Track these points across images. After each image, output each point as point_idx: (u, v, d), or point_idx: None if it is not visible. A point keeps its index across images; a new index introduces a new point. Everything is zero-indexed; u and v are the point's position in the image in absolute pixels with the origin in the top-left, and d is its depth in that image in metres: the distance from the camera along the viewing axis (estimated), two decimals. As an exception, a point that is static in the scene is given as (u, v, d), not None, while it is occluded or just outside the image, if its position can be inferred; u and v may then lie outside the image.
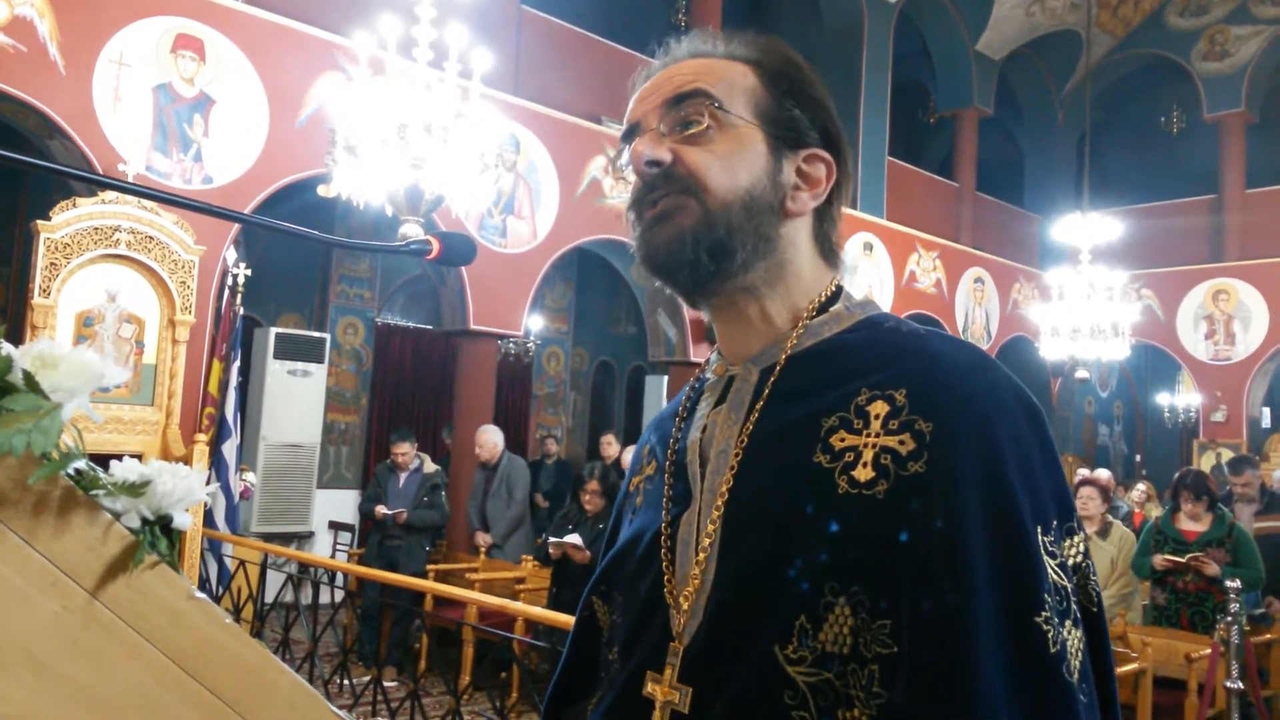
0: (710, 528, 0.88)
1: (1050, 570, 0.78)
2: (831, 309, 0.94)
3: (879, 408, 0.83)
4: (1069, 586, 0.79)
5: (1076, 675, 0.76)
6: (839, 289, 0.96)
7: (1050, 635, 0.75)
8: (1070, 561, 0.81)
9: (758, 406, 0.90)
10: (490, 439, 7.26)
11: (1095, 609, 0.83)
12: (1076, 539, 0.83)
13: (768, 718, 0.79)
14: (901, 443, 0.80)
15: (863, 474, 0.81)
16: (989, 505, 0.77)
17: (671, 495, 0.95)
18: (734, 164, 0.90)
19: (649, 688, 0.88)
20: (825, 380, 0.88)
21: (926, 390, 0.82)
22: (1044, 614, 0.75)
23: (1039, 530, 0.78)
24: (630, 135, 0.95)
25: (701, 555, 0.88)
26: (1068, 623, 0.77)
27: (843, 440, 0.83)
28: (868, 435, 0.82)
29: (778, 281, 0.94)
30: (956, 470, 0.77)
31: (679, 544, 0.91)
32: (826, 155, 0.94)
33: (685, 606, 0.87)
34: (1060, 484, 0.82)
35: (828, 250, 0.98)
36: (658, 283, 0.94)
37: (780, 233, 0.93)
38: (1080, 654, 0.78)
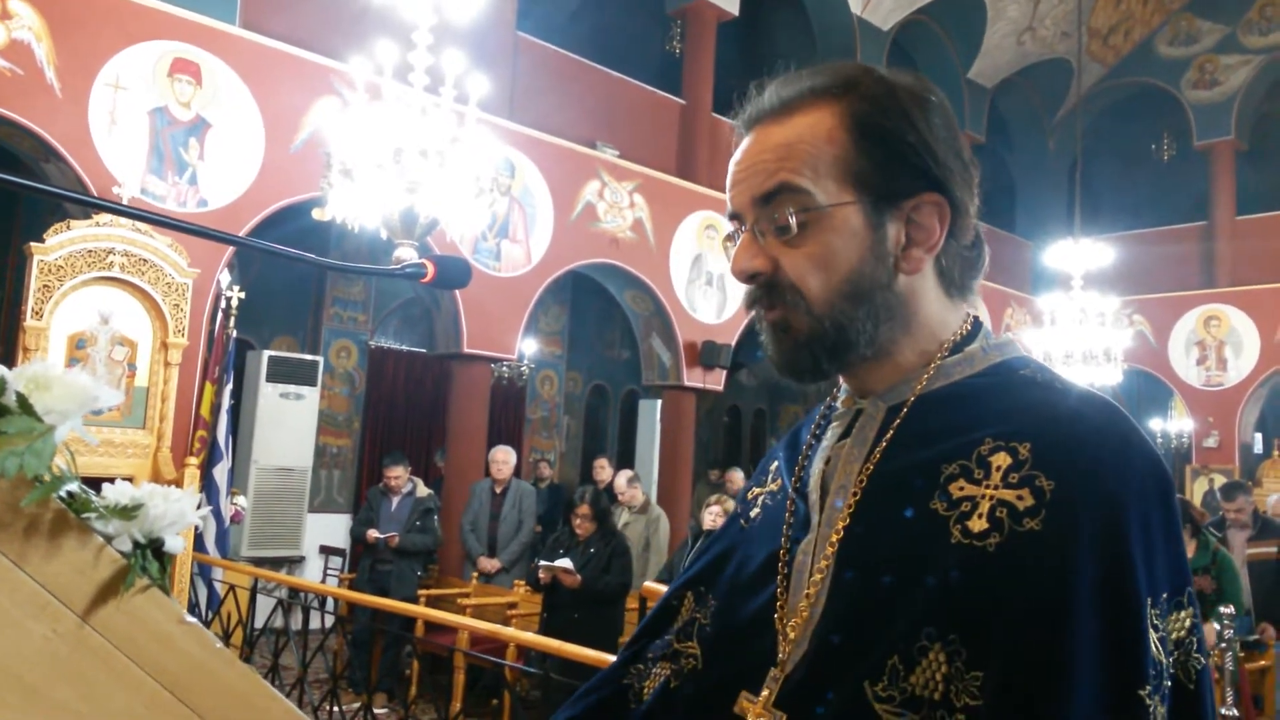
0: (823, 563, 0.89)
1: (1153, 644, 0.77)
2: (967, 349, 0.93)
3: (1001, 459, 0.82)
4: (1165, 662, 0.78)
5: None
6: (976, 326, 0.95)
7: (1151, 709, 0.74)
8: (1173, 636, 0.80)
9: (881, 446, 0.90)
10: (510, 458, 7.29)
11: (1193, 685, 0.81)
12: (1183, 614, 0.81)
13: None
14: (1020, 498, 0.79)
15: (976, 524, 0.80)
16: (1105, 574, 0.76)
17: (792, 522, 0.96)
18: (829, 259, 0.89)
19: (742, 705, 0.89)
20: (950, 426, 0.87)
21: (1053, 447, 0.81)
22: (1147, 688, 0.75)
23: (1149, 602, 0.77)
24: (734, 218, 0.95)
25: (813, 589, 0.89)
26: (1156, 697, 0.77)
27: (961, 489, 0.83)
28: (987, 486, 0.82)
29: (903, 335, 0.92)
30: (1076, 535, 0.76)
31: (794, 572, 0.92)
32: (935, 197, 0.91)
33: (793, 636, 0.88)
34: (1179, 557, 0.81)
35: (954, 286, 0.95)
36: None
37: (898, 293, 0.91)
38: None
